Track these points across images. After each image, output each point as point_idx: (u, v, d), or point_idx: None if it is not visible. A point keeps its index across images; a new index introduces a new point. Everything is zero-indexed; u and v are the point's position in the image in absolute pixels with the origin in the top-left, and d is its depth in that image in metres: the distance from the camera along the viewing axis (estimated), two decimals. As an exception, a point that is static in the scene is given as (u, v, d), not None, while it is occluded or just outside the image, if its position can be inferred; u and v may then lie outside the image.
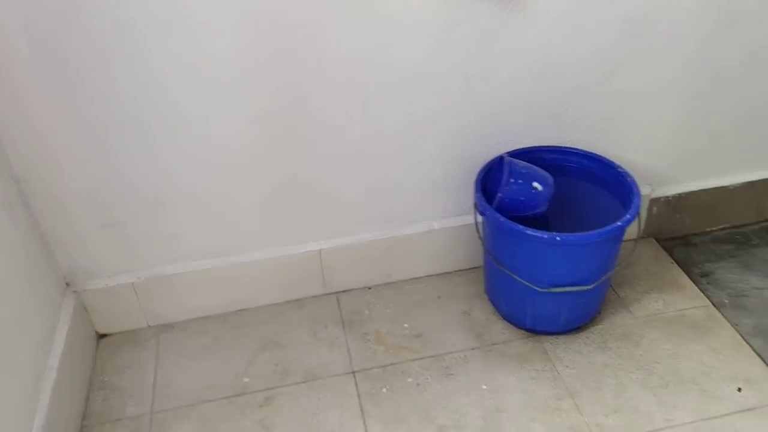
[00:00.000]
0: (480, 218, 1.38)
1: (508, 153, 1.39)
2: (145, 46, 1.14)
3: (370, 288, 1.55)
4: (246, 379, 1.35)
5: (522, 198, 1.30)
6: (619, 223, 1.22)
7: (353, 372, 1.35)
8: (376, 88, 1.29)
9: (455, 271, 1.57)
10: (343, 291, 1.54)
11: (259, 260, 1.46)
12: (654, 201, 1.57)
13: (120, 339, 1.47)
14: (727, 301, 1.45)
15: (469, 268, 1.57)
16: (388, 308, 1.49)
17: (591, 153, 1.41)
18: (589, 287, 1.29)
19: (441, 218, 1.50)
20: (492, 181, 1.37)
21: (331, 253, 1.48)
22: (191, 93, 1.21)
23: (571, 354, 1.36)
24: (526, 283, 1.30)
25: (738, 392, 1.26)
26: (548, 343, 1.38)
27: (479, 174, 1.37)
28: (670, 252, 1.59)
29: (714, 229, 1.64)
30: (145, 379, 1.37)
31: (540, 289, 1.29)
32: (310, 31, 1.19)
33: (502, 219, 1.25)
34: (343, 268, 1.51)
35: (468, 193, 1.46)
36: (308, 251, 1.47)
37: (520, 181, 1.30)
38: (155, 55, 1.16)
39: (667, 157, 1.52)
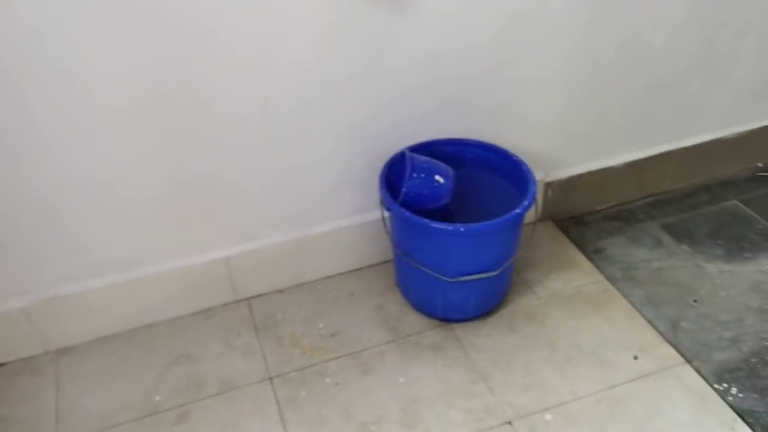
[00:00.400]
0: (387, 213, 1.39)
1: (408, 147, 1.42)
2: (30, 55, 1.07)
3: (281, 291, 1.53)
4: (157, 397, 1.30)
5: (426, 191, 1.33)
6: (518, 211, 1.28)
7: (270, 378, 1.33)
8: (274, 87, 1.27)
9: (366, 267, 1.59)
10: (254, 296, 1.52)
11: (163, 272, 1.40)
12: (548, 185, 1.65)
13: (16, 368, 1.37)
14: (619, 274, 1.56)
15: (380, 263, 1.59)
16: (301, 310, 1.48)
17: (487, 143, 1.46)
18: (495, 273, 1.34)
19: (348, 215, 1.51)
20: (396, 176, 1.39)
21: (238, 258, 1.45)
22: (82, 102, 1.15)
23: (482, 339, 1.41)
24: (435, 275, 1.33)
25: (634, 360, 1.35)
26: (460, 330, 1.43)
27: (383, 170, 1.38)
28: (566, 232, 1.68)
29: (603, 207, 1.75)
30: (46, 408, 1.29)
31: (449, 279, 1.33)
32: (201, 35, 1.15)
33: (408, 214, 1.27)
34: (252, 273, 1.49)
35: (373, 189, 1.47)
36: (214, 258, 1.43)
37: (422, 175, 1.32)
38: (44, 69, 1.08)
39: (557, 142, 1.60)
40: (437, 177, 1.33)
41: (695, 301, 1.48)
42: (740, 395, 1.27)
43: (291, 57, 1.24)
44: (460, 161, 1.45)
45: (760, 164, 1.85)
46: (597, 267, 1.58)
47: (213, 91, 1.22)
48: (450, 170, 1.36)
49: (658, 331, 1.41)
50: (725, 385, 1.29)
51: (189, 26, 1.14)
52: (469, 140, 1.47)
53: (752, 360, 1.34)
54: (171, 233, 1.37)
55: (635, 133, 1.68)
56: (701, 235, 1.65)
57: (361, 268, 1.58)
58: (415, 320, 1.45)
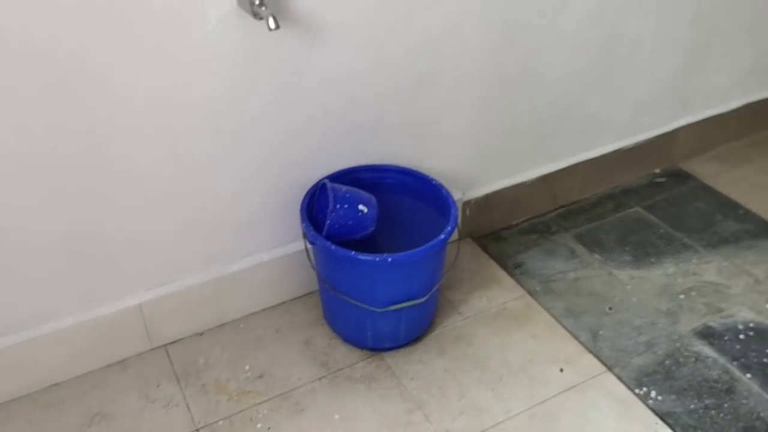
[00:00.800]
0: (310, 246, 1.35)
1: (328, 177, 1.39)
2: None
3: (202, 334, 1.45)
4: (73, 465, 1.20)
5: (350, 222, 1.30)
6: (442, 236, 1.28)
7: (197, 430, 1.26)
8: (182, 126, 1.21)
9: (291, 300, 1.54)
10: (172, 342, 1.43)
11: (69, 326, 1.29)
12: (466, 204, 1.67)
13: None
14: (539, 287, 1.60)
15: (305, 295, 1.55)
16: (225, 352, 1.42)
17: (406, 168, 1.46)
18: (423, 299, 1.34)
19: (269, 249, 1.45)
20: (317, 208, 1.35)
21: (152, 304, 1.36)
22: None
23: (414, 365, 1.40)
24: (364, 306, 1.31)
25: (561, 373, 1.39)
26: (391, 358, 1.41)
27: (303, 201, 1.35)
28: (485, 249, 1.71)
29: (519, 221, 1.79)
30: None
31: (378, 310, 1.31)
32: (97, 82, 1.08)
33: (334, 247, 1.24)
34: (168, 318, 1.40)
35: (294, 220, 1.43)
36: (126, 306, 1.34)
37: (345, 206, 1.30)
38: None
39: (472, 161, 1.63)
40: (361, 206, 1.31)
41: (610, 308, 1.54)
42: (659, 398, 1.33)
43: (199, 92, 1.18)
44: (380, 187, 1.43)
45: (657, 171, 1.97)
46: (518, 282, 1.61)
47: (114, 137, 1.15)
48: (372, 198, 1.35)
49: (580, 342, 1.46)
50: (645, 389, 1.35)
51: (82, 75, 1.06)
52: (388, 166, 1.45)
53: (667, 362, 1.41)
54: (75, 284, 1.27)
55: (544, 148, 1.73)
56: (610, 243, 1.72)
57: (285, 302, 1.53)
58: (345, 353, 1.42)
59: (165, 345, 1.42)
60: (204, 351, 1.42)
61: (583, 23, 1.55)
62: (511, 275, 1.63)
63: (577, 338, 1.46)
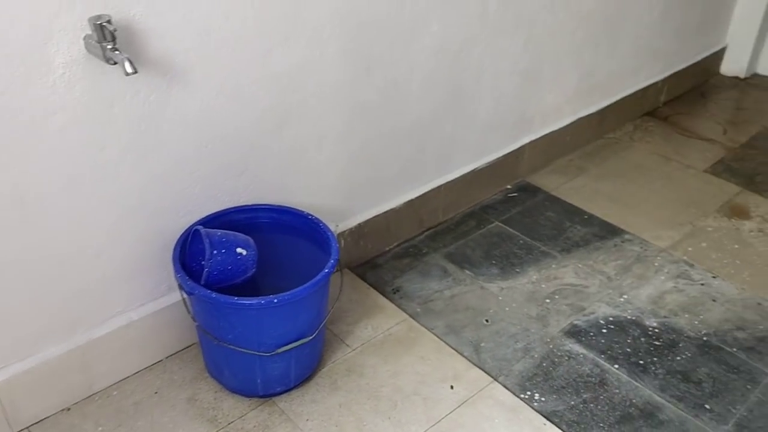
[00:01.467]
0: (187, 296, 1.28)
1: (199, 222, 1.32)
2: None
3: (69, 409, 1.31)
4: None
5: (230, 267, 1.25)
6: (327, 270, 1.27)
7: None
8: (30, 182, 1.09)
9: (169, 357, 1.44)
10: (36, 422, 1.27)
11: None
12: (341, 235, 1.67)
13: None
14: (419, 309, 1.64)
15: (183, 349, 1.45)
16: (98, 426, 1.28)
17: (280, 206, 1.43)
18: (312, 336, 1.31)
19: (139, 306, 1.35)
20: (191, 256, 1.28)
21: (9, 384, 1.21)
22: None
23: (308, 405, 1.36)
24: (252, 352, 1.26)
25: (451, 390, 1.42)
26: (283, 402, 1.36)
27: (175, 250, 1.27)
28: (363, 278, 1.72)
29: (392, 247, 1.83)
30: None
31: (267, 354, 1.26)
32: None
33: (215, 295, 1.18)
34: (30, 397, 1.25)
35: (165, 272, 1.34)
36: (-24, 391, 1.18)
37: (223, 251, 1.24)
38: None
39: (343, 193, 1.64)
40: (239, 249, 1.26)
41: (487, 320, 1.62)
42: (542, 399, 1.41)
43: (46, 145, 1.09)
44: (256, 227, 1.40)
45: (509, 186, 2.11)
46: (399, 306, 1.64)
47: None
48: (250, 240, 1.31)
49: (464, 357, 1.51)
50: (529, 393, 1.43)
51: None
52: (260, 205, 1.42)
53: (544, 364, 1.50)
54: None
55: (408, 174, 1.79)
56: (478, 258, 1.81)
57: (162, 360, 1.43)
58: (234, 404, 1.35)
59: (28, 427, 1.26)
60: (74, 428, 1.28)
61: (432, 54, 1.64)
62: (392, 300, 1.65)
63: (461, 354, 1.51)
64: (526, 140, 2.08)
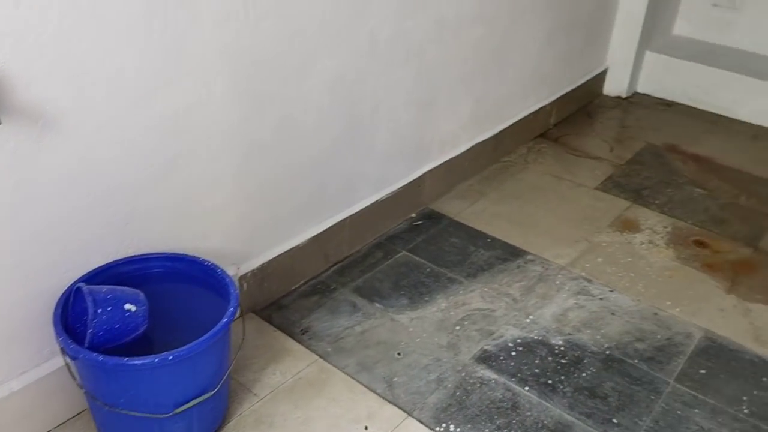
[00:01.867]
0: (71, 361, 1.18)
1: (83, 278, 1.23)
2: None
3: (-60, 499, 1.17)
4: None
5: (117, 325, 1.16)
6: (225, 319, 1.21)
7: None
8: None
9: (58, 427, 1.31)
10: None
11: None
12: (243, 278, 1.61)
13: None
14: (329, 348, 1.59)
15: (74, 417, 1.34)
16: None
17: (173, 254, 1.36)
18: (215, 390, 1.24)
19: (21, 375, 1.23)
20: (74, 316, 1.19)
21: None
22: None
23: (215, 464, 1.29)
24: (148, 415, 1.17)
25: (366, 431, 1.39)
26: (188, 464, 1.28)
27: (55, 312, 1.18)
28: (269, 320, 1.66)
29: (298, 285, 1.78)
30: None
31: (165, 415, 1.18)
32: None
33: (102, 358, 1.10)
34: None
35: (47, 335, 1.23)
36: None
37: (109, 309, 1.16)
38: None
39: (242, 234, 1.58)
40: (127, 306, 1.18)
41: (399, 354, 1.60)
42: (458, 430, 1.40)
43: None
44: (147, 279, 1.32)
45: (413, 214, 2.12)
46: (308, 347, 1.59)
47: None
48: (140, 294, 1.22)
49: (378, 394, 1.48)
50: (444, 425, 1.41)
51: None
52: (151, 255, 1.34)
53: (457, 393, 1.49)
54: None
55: (310, 210, 1.75)
56: (387, 290, 1.79)
57: (50, 431, 1.31)
58: (133, 472, 1.25)
59: None
60: None
61: (326, 88, 1.63)
62: (300, 342, 1.60)
63: (374, 391, 1.48)
64: (426, 168, 2.10)
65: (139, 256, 1.33)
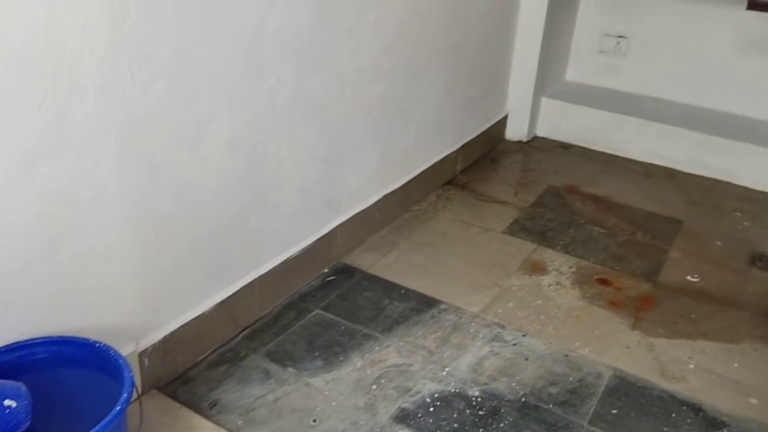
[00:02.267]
0: (-60, 471, 1.05)
1: (-47, 374, 1.11)
2: None
3: None
4: None
5: (-7, 426, 1.05)
6: (118, 407, 1.12)
7: None
8: None
9: None
10: None
11: None
12: (143, 353, 1.51)
13: None
14: (240, 422, 1.51)
15: None
16: None
17: (60, 336, 1.26)
18: (109, 486, 1.14)
19: None
20: (-57, 419, 1.07)
21: None
22: None
23: None
24: None
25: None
26: None
27: None
28: (174, 396, 1.56)
29: (206, 355, 1.69)
30: None
31: None
32: None
33: (-25, 465, 0.98)
34: None
35: None
36: None
37: (-17, 408, 1.05)
38: None
39: (140, 307, 1.49)
40: (6, 402, 1.07)
41: (314, 420, 1.53)
42: (379, 496, 1.35)
43: None
44: (30, 367, 1.21)
45: (326, 270, 2.08)
46: (216, 423, 1.50)
47: None
48: (21, 387, 1.11)
49: (294, 466, 1.41)
50: (364, 492, 1.36)
51: None
52: (35, 340, 1.24)
53: (377, 457, 1.45)
54: None
55: (214, 275, 1.69)
56: (300, 353, 1.74)
57: None
58: None
59: None
60: None
61: (225, 149, 1.59)
62: (208, 417, 1.51)
63: (290, 464, 1.41)
64: (336, 223, 2.08)
65: (21, 342, 1.22)
